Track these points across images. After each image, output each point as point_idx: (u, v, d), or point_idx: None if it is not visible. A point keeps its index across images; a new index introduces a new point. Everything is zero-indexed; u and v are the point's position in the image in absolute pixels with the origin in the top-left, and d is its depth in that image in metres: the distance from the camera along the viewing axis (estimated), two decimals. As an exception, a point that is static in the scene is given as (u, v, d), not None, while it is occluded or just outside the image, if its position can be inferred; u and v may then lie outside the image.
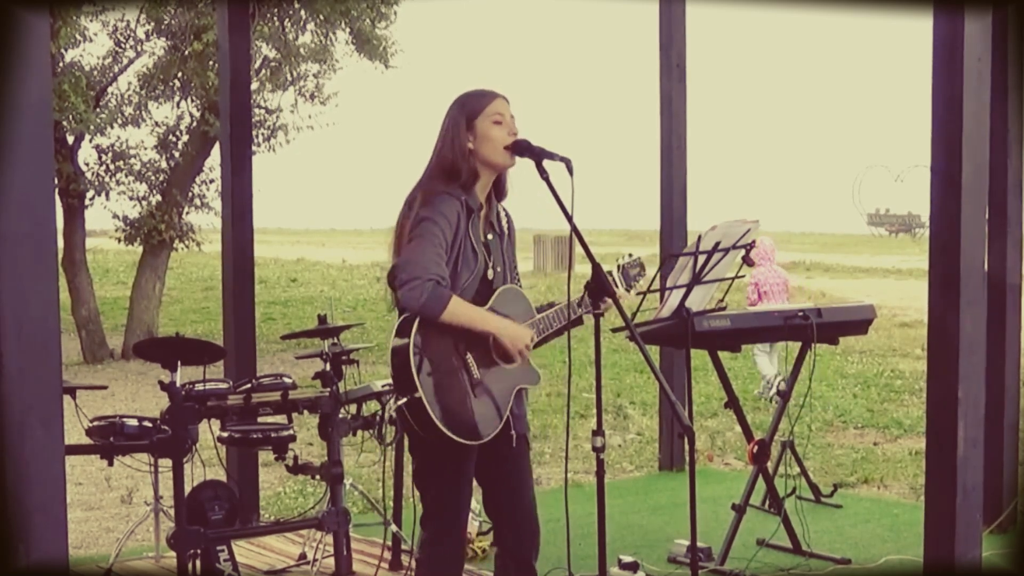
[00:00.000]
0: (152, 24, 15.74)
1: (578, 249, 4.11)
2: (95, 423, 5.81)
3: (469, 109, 4.24)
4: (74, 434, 5.60)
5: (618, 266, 4.57)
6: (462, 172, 4.21)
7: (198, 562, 5.42)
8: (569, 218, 4.07)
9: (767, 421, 7.59)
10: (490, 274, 4.27)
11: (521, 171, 4.37)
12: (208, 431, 5.85)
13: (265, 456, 7.22)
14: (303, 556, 6.21)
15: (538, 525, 4.44)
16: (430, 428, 4.01)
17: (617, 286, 4.51)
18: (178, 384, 5.40)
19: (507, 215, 4.45)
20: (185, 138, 16.42)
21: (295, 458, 5.77)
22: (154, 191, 16.34)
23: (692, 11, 8.33)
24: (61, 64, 15.04)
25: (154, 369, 5.54)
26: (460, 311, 4.07)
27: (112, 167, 16.09)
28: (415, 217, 4.16)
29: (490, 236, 4.32)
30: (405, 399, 4.01)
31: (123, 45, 16.12)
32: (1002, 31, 6.31)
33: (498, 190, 4.39)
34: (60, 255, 14.84)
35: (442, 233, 4.11)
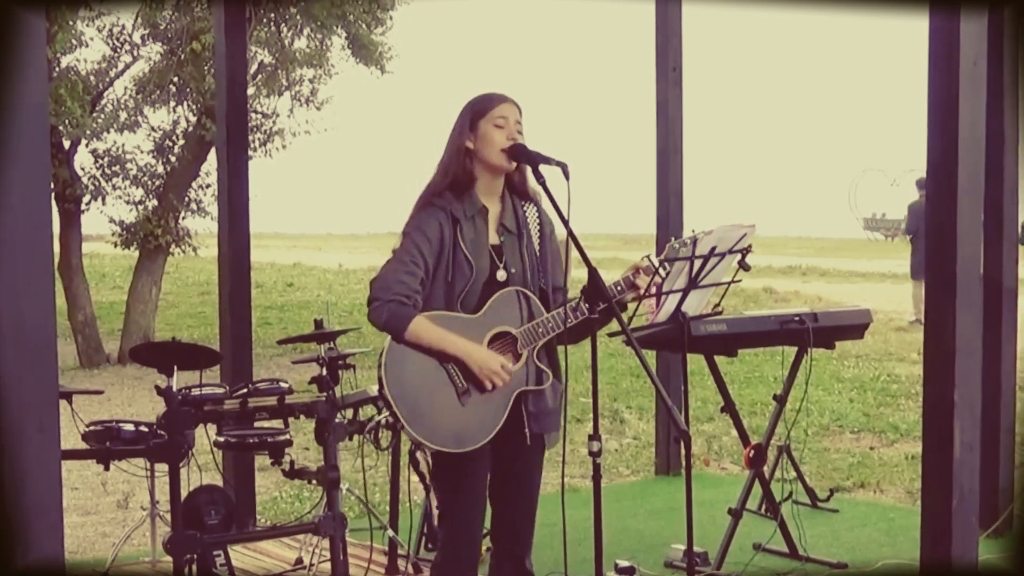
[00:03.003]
0: (148, 29, 15.73)
1: (575, 253, 4.12)
2: (91, 428, 5.81)
3: (476, 109, 4.27)
4: (70, 439, 5.60)
5: (670, 247, 4.54)
6: (452, 172, 4.23)
7: (194, 567, 5.43)
8: (565, 222, 4.08)
9: (763, 425, 7.59)
10: (500, 275, 4.26)
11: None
12: (204, 436, 5.85)
13: (261, 461, 7.20)
14: (299, 561, 6.21)
15: (533, 526, 4.47)
16: (413, 440, 4.08)
17: (655, 268, 4.42)
18: (174, 389, 5.40)
19: (539, 214, 4.44)
20: (181, 143, 16.39)
21: (291, 463, 5.77)
22: (150, 196, 16.30)
23: (688, 14, 8.33)
24: (57, 69, 15.01)
25: (150, 374, 5.53)
26: (423, 333, 4.10)
27: (108, 172, 16.05)
28: (402, 230, 4.22)
29: (502, 238, 4.32)
30: (384, 411, 4.07)
31: (119, 50, 16.10)
32: (999, 32, 6.31)
33: (518, 191, 4.39)
34: (56, 260, 14.81)
35: (417, 249, 4.15)
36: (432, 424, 4.08)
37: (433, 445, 4.08)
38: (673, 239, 4.67)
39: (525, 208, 4.41)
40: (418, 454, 5.84)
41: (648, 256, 4.44)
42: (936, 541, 4.30)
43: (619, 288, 4.31)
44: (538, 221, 4.43)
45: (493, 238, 4.31)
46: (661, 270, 4.41)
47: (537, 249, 4.39)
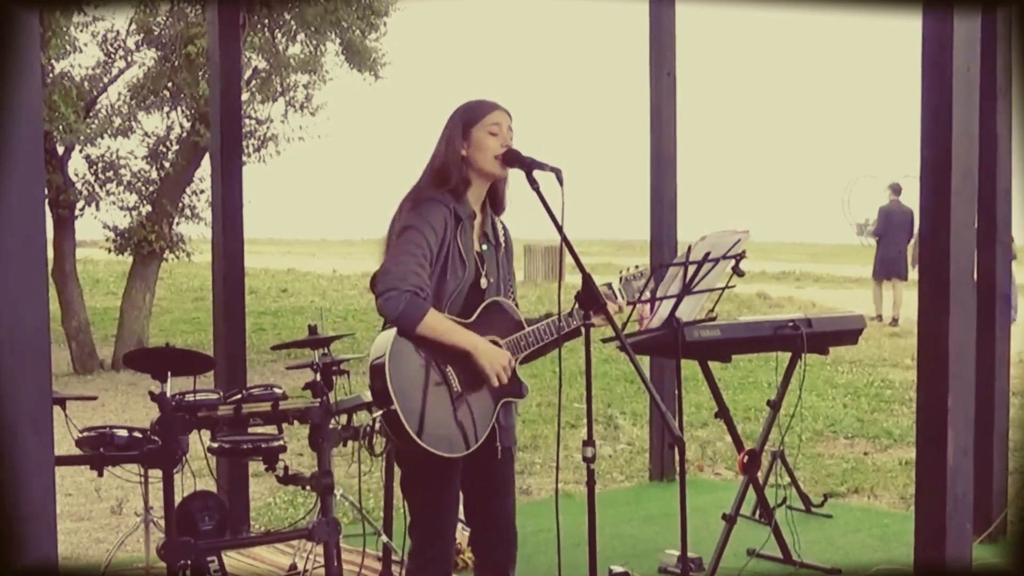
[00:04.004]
0: (142, 34, 15.73)
1: (568, 259, 4.12)
2: (85, 434, 5.80)
3: (468, 116, 4.27)
4: (64, 445, 5.58)
5: (620, 278, 4.58)
6: (452, 177, 4.24)
7: (188, 573, 5.41)
8: (559, 228, 4.07)
9: (757, 431, 7.59)
10: (483, 283, 4.29)
11: (511, 181, 4.39)
12: (198, 441, 5.84)
13: (255, 467, 7.20)
14: (293, 567, 6.20)
15: (516, 537, 4.47)
16: (407, 440, 4.05)
17: (617, 298, 4.52)
18: (168, 394, 5.39)
19: (504, 228, 4.48)
20: (175, 148, 16.38)
21: (285, 468, 5.76)
22: (144, 201, 16.28)
23: (682, 17, 8.32)
24: (51, 75, 14.99)
25: (144, 380, 5.53)
26: (437, 325, 4.08)
27: (102, 177, 16.05)
28: (401, 224, 4.19)
29: (484, 247, 4.34)
30: (382, 411, 4.04)
31: (113, 55, 16.09)
32: (992, 35, 6.33)
33: (495, 203, 4.42)
34: (50, 266, 14.80)
35: (426, 242, 4.13)
36: (427, 424, 4.07)
37: (426, 446, 4.06)
38: (622, 270, 4.68)
39: (495, 221, 4.44)
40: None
41: (610, 284, 4.49)
42: (930, 546, 4.31)
43: (584, 316, 4.31)
44: (503, 235, 4.46)
45: (476, 245, 4.33)
46: (621, 299, 4.48)
47: (505, 263, 4.43)
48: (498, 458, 4.32)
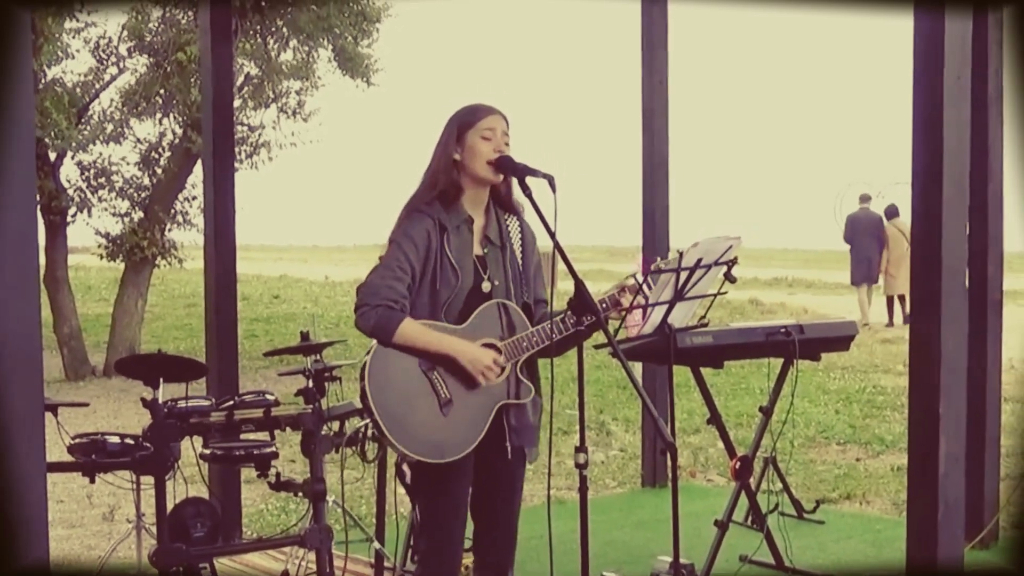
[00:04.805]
0: (134, 41, 15.73)
1: (561, 266, 4.12)
2: (77, 440, 5.79)
3: (463, 121, 4.29)
4: (56, 451, 5.58)
5: (653, 269, 4.57)
6: (440, 183, 4.24)
7: (180, 579, 5.41)
8: (552, 235, 4.08)
9: (749, 437, 7.60)
10: (485, 287, 4.28)
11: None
12: (190, 448, 5.83)
13: (247, 473, 7.18)
14: (286, 573, 6.19)
15: (515, 538, 4.47)
16: (394, 448, 4.09)
17: (643, 290, 4.47)
18: (160, 401, 5.39)
19: (522, 228, 4.46)
20: (167, 155, 16.37)
21: (277, 475, 5.76)
22: (136, 208, 16.28)
23: (675, 20, 8.32)
24: (43, 81, 14.98)
25: (136, 386, 5.52)
26: (414, 334, 4.10)
27: (94, 184, 16.04)
28: (388, 238, 4.23)
29: (486, 250, 4.33)
30: (365, 423, 4.08)
31: (105, 62, 16.09)
32: (983, 41, 6.34)
33: (503, 205, 4.41)
34: (42, 272, 14.77)
35: (405, 256, 4.16)
36: (413, 433, 4.09)
37: (414, 455, 4.09)
38: (659, 259, 4.68)
39: (507, 221, 4.43)
40: (404, 466, 5.83)
41: (634, 275, 4.47)
42: (922, 552, 4.31)
43: (604, 305, 4.32)
44: (520, 234, 4.45)
45: (477, 249, 4.32)
46: (645, 289, 4.45)
47: (520, 262, 4.41)
48: (507, 458, 4.32)
